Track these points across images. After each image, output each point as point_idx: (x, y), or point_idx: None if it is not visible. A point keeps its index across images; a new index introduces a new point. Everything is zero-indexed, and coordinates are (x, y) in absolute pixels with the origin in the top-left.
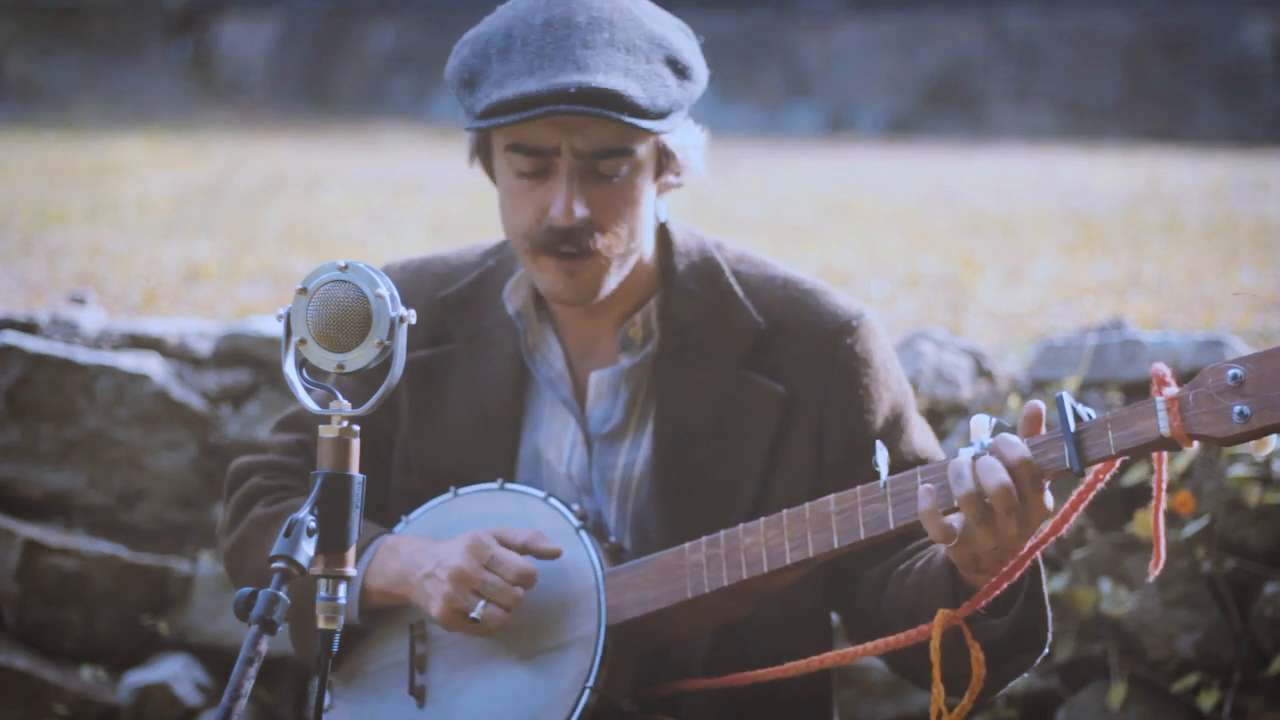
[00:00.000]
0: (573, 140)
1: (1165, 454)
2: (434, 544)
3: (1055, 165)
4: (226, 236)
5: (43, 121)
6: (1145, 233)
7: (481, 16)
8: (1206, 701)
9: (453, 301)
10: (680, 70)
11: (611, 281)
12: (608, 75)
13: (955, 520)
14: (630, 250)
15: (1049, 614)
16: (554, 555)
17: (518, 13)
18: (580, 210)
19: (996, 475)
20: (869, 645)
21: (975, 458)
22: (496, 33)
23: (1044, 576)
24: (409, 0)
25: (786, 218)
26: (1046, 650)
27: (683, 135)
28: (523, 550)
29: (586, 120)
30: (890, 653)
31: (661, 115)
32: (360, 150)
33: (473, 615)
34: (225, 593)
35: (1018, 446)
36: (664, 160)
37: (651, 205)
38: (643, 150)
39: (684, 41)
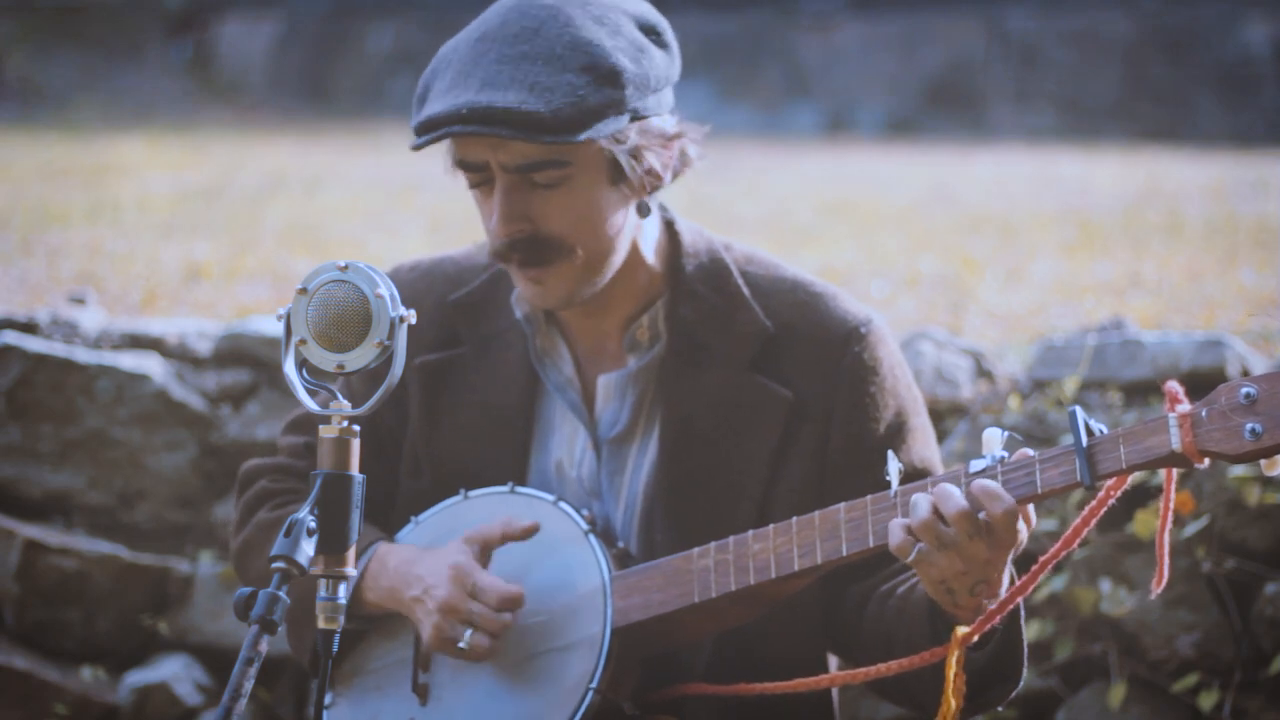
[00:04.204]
0: (498, 156)
1: (1175, 471)
2: (419, 560)
3: (1055, 165)
4: (226, 236)
5: (43, 121)
6: (1145, 233)
7: (479, 16)
8: (1206, 701)
9: (463, 305)
10: (604, 75)
11: (585, 287)
12: (506, 91)
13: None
14: (598, 256)
15: (1025, 643)
16: (532, 531)
17: (470, 27)
18: (519, 222)
19: (955, 503)
20: (880, 667)
21: (973, 475)
22: (449, 49)
23: (1021, 609)
24: (409, 0)
25: (786, 218)
26: (1021, 684)
27: (638, 137)
28: (502, 541)
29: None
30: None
31: (571, 126)
32: (360, 150)
33: (460, 645)
34: (225, 593)
35: (1002, 500)
36: (616, 165)
37: (617, 209)
38: (580, 158)
39: (628, 40)
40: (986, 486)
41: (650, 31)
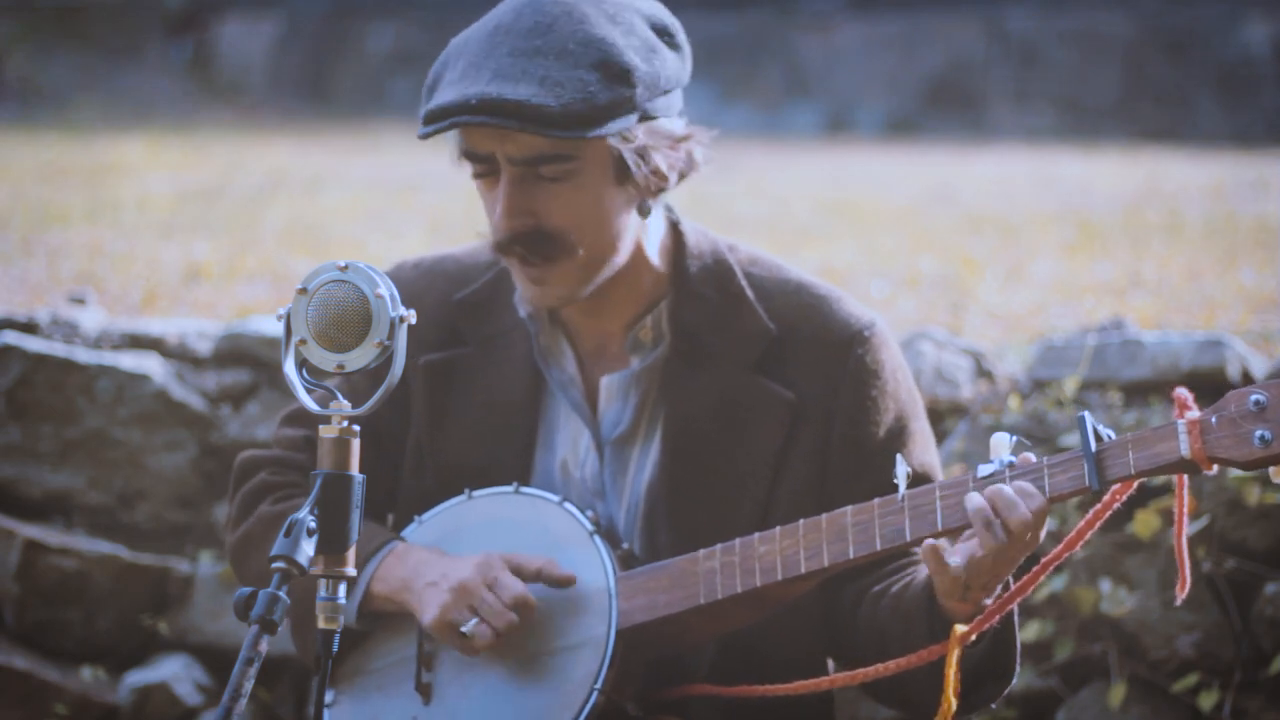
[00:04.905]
0: (505, 148)
1: (1186, 478)
2: (445, 557)
3: (1055, 165)
4: (226, 236)
5: (43, 121)
6: (1145, 233)
7: (480, 17)
8: (1206, 701)
9: (467, 303)
10: (616, 74)
11: (583, 286)
12: (516, 85)
13: (959, 555)
14: (600, 254)
15: (1019, 640)
16: (568, 583)
17: (484, 19)
18: (522, 217)
19: (1019, 513)
20: (879, 666)
21: (981, 480)
22: (461, 40)
23: (1015, 606)
24: (409, 0)
25: (786, 218)
26: (1015, 680)
27: (645, 136)
28: (536, 576)
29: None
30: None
31: (581, 122)
32: (360, 150)
33: (463, 629)
34: (225, 593)
35: (1037, 497)
36: (623, 163)
37: (620, 208)
38: (587, 154)
39: (640, 40)
40: (1024, 489)
41: (663, 32)
